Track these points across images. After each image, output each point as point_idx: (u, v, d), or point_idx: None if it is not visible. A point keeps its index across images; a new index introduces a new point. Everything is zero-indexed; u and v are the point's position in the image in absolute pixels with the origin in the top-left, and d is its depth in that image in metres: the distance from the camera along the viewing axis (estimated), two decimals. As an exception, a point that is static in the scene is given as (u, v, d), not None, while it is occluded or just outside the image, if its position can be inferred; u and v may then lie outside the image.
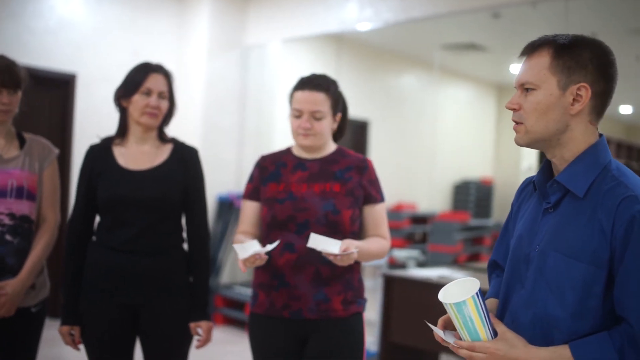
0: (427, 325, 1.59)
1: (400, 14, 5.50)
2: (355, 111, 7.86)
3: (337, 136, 2.56)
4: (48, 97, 5.73)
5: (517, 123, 1.55)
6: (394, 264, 4.96)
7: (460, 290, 1.48)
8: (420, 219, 8.43)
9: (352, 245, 2.20)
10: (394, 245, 7.11)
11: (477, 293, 1.44)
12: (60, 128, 5.83)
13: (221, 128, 6.56)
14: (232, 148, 6.64)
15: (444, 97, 8.73)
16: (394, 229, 8.02)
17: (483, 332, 1.45)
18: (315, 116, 2.37)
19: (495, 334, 1.48)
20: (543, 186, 1.57)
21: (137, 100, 2.46)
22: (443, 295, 1.49)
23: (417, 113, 8.63)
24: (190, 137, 6.32)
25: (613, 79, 1.51)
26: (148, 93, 2.46)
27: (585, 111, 1.49)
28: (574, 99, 1.47)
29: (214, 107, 6.50)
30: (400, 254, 5.08)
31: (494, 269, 1.80)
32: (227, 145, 6.60)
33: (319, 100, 2.37)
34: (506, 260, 1.69)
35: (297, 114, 2.39)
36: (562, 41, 1.49)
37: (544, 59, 1.49)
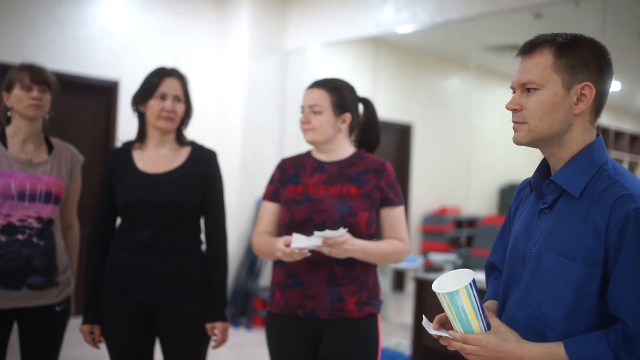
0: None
1: (436, 15, 5.47)
2: (396, 114, 7.87)
3: (368, 142, 2.57)
4: (92, 104, 5.91)
5: (517, 122, 1.53)
6: (431, 267, 4.92)
7: (455, 282, 1.47)
8: (464, 223, 8.33)
9: (349, 238, 2.24)
10: (436, 249, 7.05)
11: (470, 284, 1.43)
12: (103, 133, 6.00)
13: (261, 132, 6.63)
14: (272, 151, 6.70)
15: (488, 98, 8.60)
16: (437, 233, 7.95)
17: (476, 323, 1.45)
18: (313, 110, 2.44)
19: (488, 327, 1.47)
20: (539, 186, 1.56)
21: (153, 105, 2.52)
22: (437, 286, 1.48)
23: (461, 115, 8.52)
24: (230, 140, 6.43)
25: (611, 78, 1.50)
26: (163, 97, 2.53)
27: (587, 110, 1.48)
28: (577, 99, 1.46)
29: (255, 111, 6.57)
30: (438, 257, 5.03)
31: (491, 270, 1.79)
32: (267, 148, 6.67)
33: (317, 96, 2.45)
34: (503, 262, 1.68)
35: (301, 111, 2.48)
36: (563, 40, 1.48)
37: (546, 57, 1.48)
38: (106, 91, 5.97)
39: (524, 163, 9.25)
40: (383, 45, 7.26)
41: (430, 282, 4.34)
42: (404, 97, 7.93)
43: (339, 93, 2.47)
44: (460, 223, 8.32)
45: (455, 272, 1.52)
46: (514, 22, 6.44)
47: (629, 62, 6.25)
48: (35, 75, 2.57)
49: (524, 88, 1.51)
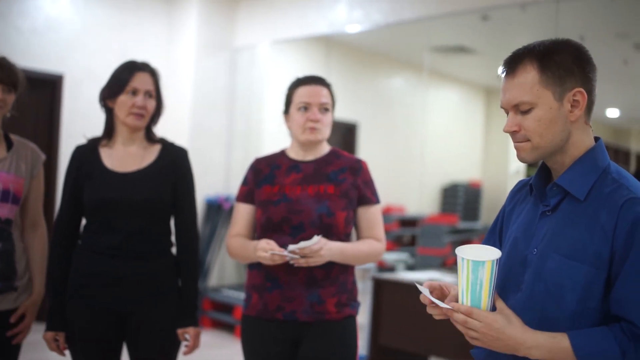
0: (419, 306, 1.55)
1: (389, 16, 5.49)
2: (344, 113, 7.87)
3: None
4: (35, 98, 5.67)
5: (519, 142, 1.52)
6: (383, 267, 4.94)
7: (479, 255, 1.44)
8: (409, 222, 8.42)
9: (324, 244, 2.21)
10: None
11: (496, 260, 1.42)
12: (47, 129, 5.78)
13: (209, 130, 6.52)
14: (220, 150, 6.60)
15: (433, 99, 8.72)
16: (382, 232, 8.01)
17: (486, 300, 1.43)
18: (323, 108, 2.40)
19: (494, 309, 1.46)
20: (541, 189, 1.57)
21: (123, 101, 2.41)
22: (462, 252, 1.45)
23: (406, 115, 8.62)
24: (178, 138, 6.26)
25: (595, 72, 1.51)
26: (134, 93, 2.41)
27: (582, 113, 1.49)
28: (572, 106, 1.47)
29: (203, 108, 6.46)
30: (390, 256, 5.06)
31: None
32: (215, 147, 6.56)
33: (325, 94, 2.41)
34: None
35: (304, 106, 2.39)
36: (542, 51, 1.47)
37: (531, 74, 1.47)
38: (50, 85, 5.75)
39: (466, 164, 9.47)
40: (335, 45, 7.26)
41: (387, 282, 4.36)
42: (354, 96, 7.95)
43: (332, 92, 2.47)
44: (404, 222, 8.40)
45: (480, 246, 1.48)
46: (461, 24, 6.54)
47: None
48: (3, 74, 2.40)
49: (517, 108, 1.50)
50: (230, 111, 6.67)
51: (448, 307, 1.47)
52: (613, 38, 6.48)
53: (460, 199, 9.16)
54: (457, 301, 1.52)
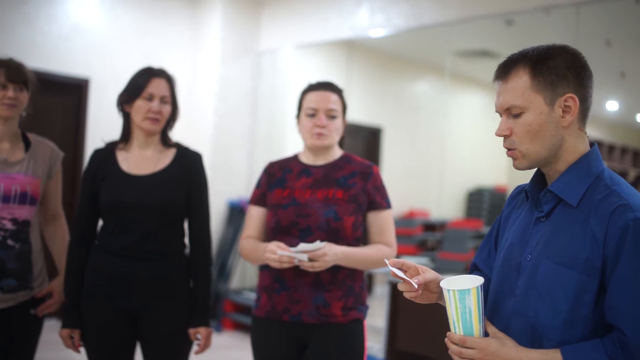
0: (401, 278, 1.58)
1: (411, 20, 5.50)
2: (367, 118, 7.89)
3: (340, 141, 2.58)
4: (61, 102, 5.79)
5: (509, 149, 1.53)
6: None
7: (462, 285, 1.48)
8: (432, 226, 8.39)
9: (329, 249, 2.23)
10: (405, 253, 7.08)
11: (480, 286, 1.45)
12: (73, 132, 5.89)
13: (233, 133, 6.59)
14: (243, 153, 6.66)
15: (457, 104, 8.69)
16: (405, 236, 7.99)
17: (477, 327, 1.46)
18: (330, 114, 2.42)
19: (486, 334, 1.48)
20: (536, 195, 1.57)
21: (140, 106, 2.47)
22: (446, 284, 1.49)
23: (430, 120, 8.60)
24: (201, 142, 6.36)
25: (591, 79, 1.51)
26: (150, 98, 2.47)
27: (575, 119, 1.49)
28: (563, 111, 1.47)
29: (226, 112, 6.52)
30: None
31: (475, 271, 1.80)
32: (238, 150, 6.62)
33: (334, 100, 2.44)
34: (486, 264, 1.71)
35: (311, 113, 2.43)
36: (535, 56, 1.48)
37: (523, 79, 1.48)
38: (76, 89, 5.87)
39: (492, 169, 9.41)
40: (357, 49, 7.28)
41: (405, 286, 4.36)
42: (377, 100, 7.95)
43: (344, 99, 2.50)
44: (428, 226, 8.37)
45: (462, 276, 1.52)
46: (485, 29, 6.50)
47: (597, 71, 6.37)
48: (12, 73, 2.48)
49: (509, 112, 1.51)
50: (254, 115, 6.73)
51: (413, 282, 1.52)
52: (639, 42, 6.40)
53: (486, 204, 9.10)
54: (430, 284, 1.58)
